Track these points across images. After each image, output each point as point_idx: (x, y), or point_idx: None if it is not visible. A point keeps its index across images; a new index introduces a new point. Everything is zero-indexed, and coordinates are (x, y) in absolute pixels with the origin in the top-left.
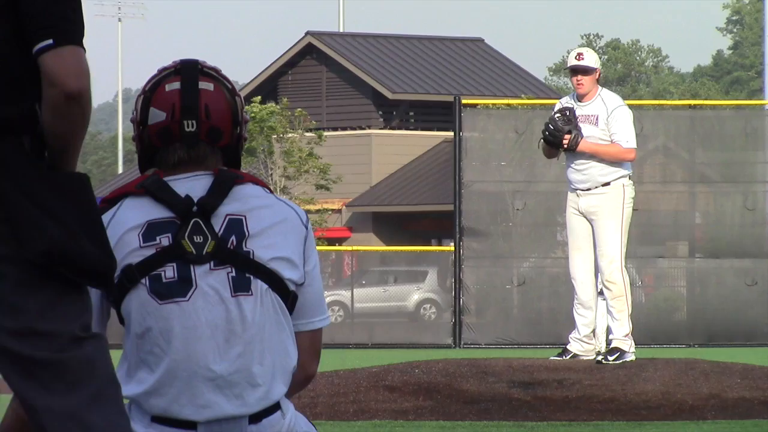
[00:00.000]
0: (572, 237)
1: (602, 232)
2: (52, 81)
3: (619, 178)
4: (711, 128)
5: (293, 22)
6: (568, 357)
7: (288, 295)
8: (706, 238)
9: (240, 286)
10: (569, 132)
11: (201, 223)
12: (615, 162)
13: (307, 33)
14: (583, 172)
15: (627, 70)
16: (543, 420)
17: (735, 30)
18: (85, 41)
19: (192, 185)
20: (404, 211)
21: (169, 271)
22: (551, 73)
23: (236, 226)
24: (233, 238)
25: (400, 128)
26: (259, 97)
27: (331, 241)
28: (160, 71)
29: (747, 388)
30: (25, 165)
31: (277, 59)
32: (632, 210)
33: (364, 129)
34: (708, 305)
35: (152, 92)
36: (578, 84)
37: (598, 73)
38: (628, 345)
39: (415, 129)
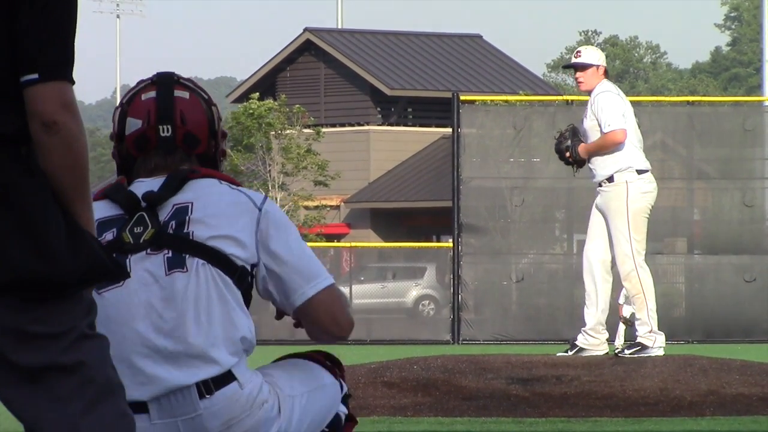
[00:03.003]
0: (588, 229)
1: (611, 231)
2: (31, 112)
3: (619, 171)
4: (709, 125)
5: (291, 18)
6: (572, 352)
7: (235, 270)
8: (705, 234)
9: (174, 264)
10: (567, 148)
11: (145, 215)
12: (614, 153)
13: (306, 29)
14: (591, 167)
15: (625, 67)
16: (541, 416)
17: (733, 26)
18: (83, 39)
19: (152, 184)
20: (402, 208)
21: None
22: (549, 69)
23: (180, 212)
24: (173, 223)
25: (398, 124)
26: (258, 93)
27: (330, 238)
28: (137, 84)
29: (745, 384)
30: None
31: (275, 56)
32: (647, 203)
33: (362, 125)
34: (706, 301)
35: (129, 104)
36: (578, 81)
37: (599, 69)
38: (651, 341)
39: (414, 125)
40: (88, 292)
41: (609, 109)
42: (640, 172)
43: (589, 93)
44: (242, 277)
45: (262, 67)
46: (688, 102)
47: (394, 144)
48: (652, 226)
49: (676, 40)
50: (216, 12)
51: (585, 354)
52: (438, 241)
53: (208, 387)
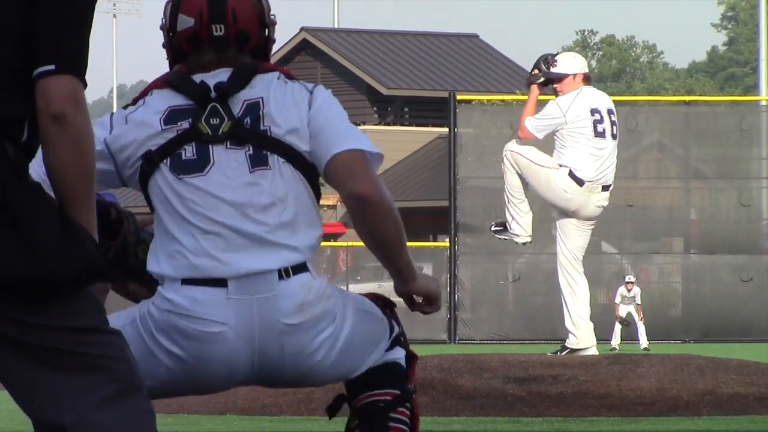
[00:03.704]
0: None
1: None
2: (40, 102)
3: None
4: (706, 124)
5: (288, 18)
6: (563, 353)
7: (308, 167)
8: (701, 234)
9: (257, 162)
10: (537, 68)
11: (218, 107)
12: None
13: (302, 29)
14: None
15: (622, 66)
16: (538, 416)
17: (730, 26)
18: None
19: (216, 76)
20: (399, 207)
21: (188, 151)
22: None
23: (253, 108)
24: (248, 119)
25: (394, 124)
26: None
27: (326, 237)
28: None
29: (742, 383)
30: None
31: (272, 55)
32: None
33: (358, 125)
34: (703, 301)
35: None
36: (557, 91)
37: (577, 78)
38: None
39: (410, 125)
40: (93, 291)
41: (543, 113)
42: (578, 181)
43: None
44: (313, 174)
45: None
46: (684, 102)
47: (391, 143)
48: (649, 225)
49: (673, 39)
50: None
51: (578, 354)
52: (435, 240)
53: (287, 271)
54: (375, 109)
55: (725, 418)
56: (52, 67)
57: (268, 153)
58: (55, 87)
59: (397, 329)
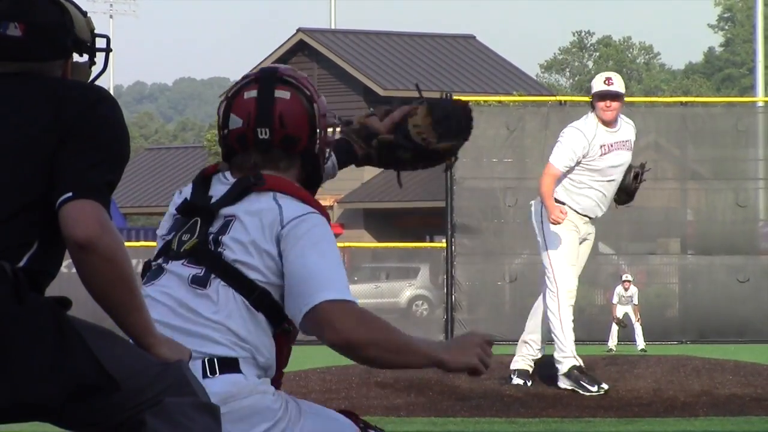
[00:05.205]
0: (573, 253)
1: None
2: (64, 231)
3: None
4: (702, 125)
5: (285, 19)
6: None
7: (253, 292)
8: (698, 234)
9: (197, 282)
10: (635, 189)
11: (199, 221)
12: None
13: (299, 30)
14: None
15: (618, 67)
16: (535, 416)
17: (726, 27)
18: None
19: (224, 186)
20: (396, 208)
21: (158, 261)
22: (543, 70)
23: (224, 227)
24: (218, 237)
25: None
26: None
27: None
28: (242, 78)
29: (739, 384)
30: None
31: (268, 56)
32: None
33: None
34: (700, 302)
35: (233, 99)
36: (608, 109)
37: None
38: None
39: None
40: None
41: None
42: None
43: (613, 122)
44: (261, 299)
45: (255, 67)
46: (681, 102)
47: None
48: (645, 227)
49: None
50: (209, 12)
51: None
52: (431, 241)
53: (213, 368)
54: (372, 109)
55: (722, 419)
56: (70, 194)
57: (213, 276)
58: (75, 216)
59: None
